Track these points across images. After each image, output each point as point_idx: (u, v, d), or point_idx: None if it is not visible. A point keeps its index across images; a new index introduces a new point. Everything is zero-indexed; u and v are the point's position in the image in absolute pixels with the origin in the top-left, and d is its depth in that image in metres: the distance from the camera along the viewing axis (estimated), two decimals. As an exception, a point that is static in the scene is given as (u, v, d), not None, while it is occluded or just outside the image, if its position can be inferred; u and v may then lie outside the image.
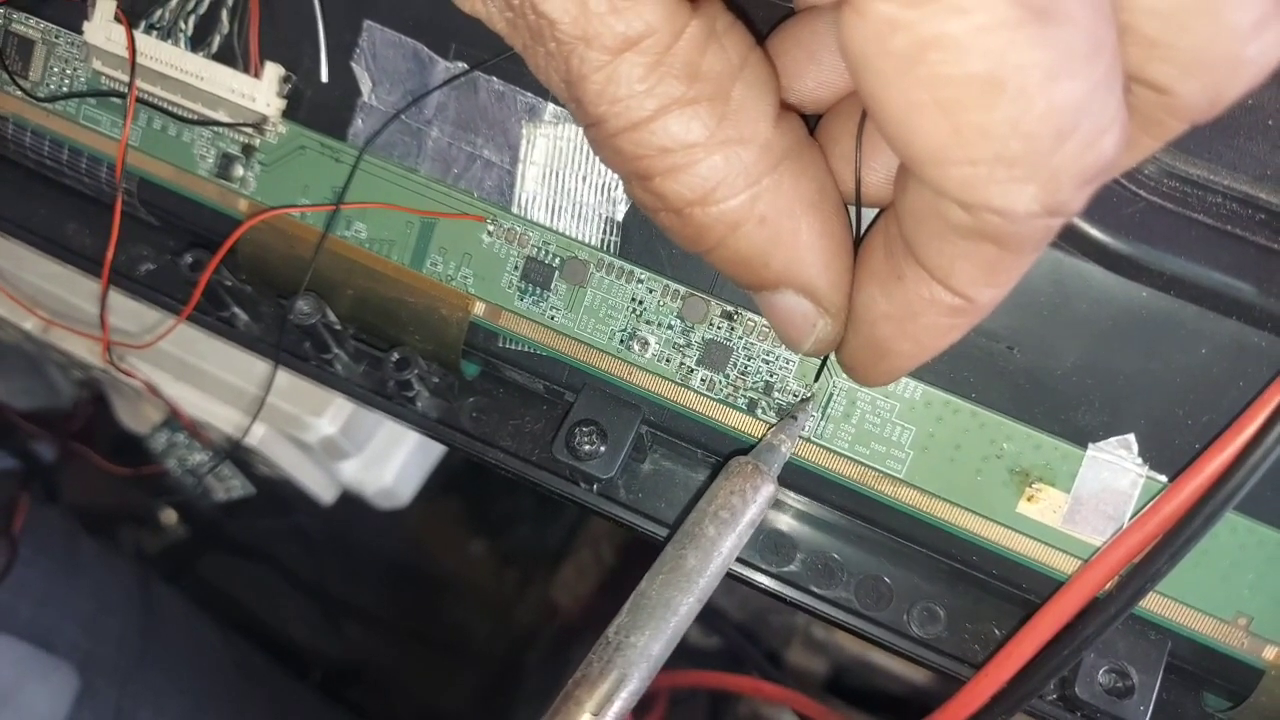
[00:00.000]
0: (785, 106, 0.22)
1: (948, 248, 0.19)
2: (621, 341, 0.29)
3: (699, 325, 0.28)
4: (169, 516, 0.76)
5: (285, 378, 0.34)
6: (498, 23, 0.21)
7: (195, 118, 0.32)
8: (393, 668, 0.82)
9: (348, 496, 0.60)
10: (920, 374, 0.27)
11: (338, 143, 0.31)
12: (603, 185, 0.29)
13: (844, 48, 0.16)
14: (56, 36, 0.33)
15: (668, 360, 0.29)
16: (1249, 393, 0.25)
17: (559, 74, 0.20)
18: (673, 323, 0.29)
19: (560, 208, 0.29)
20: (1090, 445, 0.26)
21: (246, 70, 0.31)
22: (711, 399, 0.29)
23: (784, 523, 0.31)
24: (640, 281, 0.29)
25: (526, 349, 0.30)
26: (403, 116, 0.30)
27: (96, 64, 0.32)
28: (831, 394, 0.28)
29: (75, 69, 0.33)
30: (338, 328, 0.32)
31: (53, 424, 0.69)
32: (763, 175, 0.21)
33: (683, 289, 0.29)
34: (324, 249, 0.31)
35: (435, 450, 0.63)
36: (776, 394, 0.28)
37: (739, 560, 0.30)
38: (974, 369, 0.27)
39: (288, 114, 0.31)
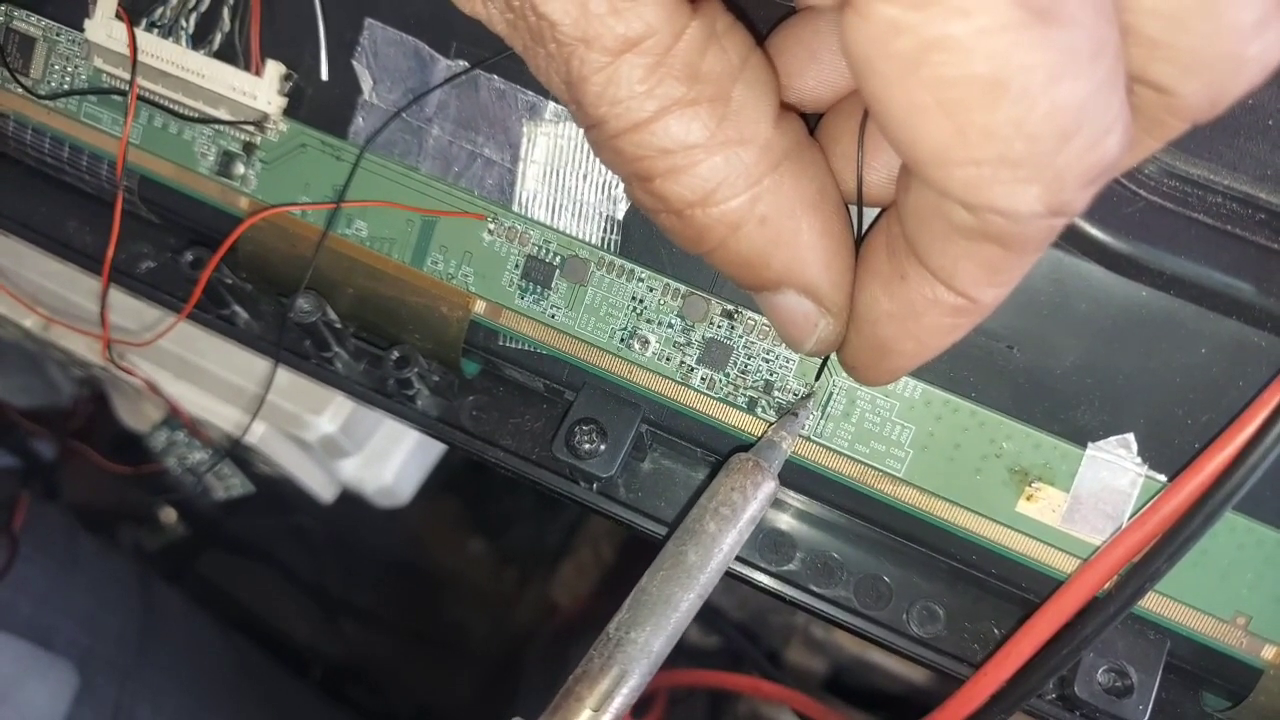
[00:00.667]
0: (785, 106, 0.22)
1: (951, 248, 0.19)
2: (622, 340, 0.29)
3: (699, 324, 0.28)
4: (169, 515, 0.76)
5: (285, 376, 0.34)
6: (498, 24, 0.21)
7: (196, 115, 0.32)
8: (392, 666, 0.82)
9: (348, 495, 0.60)
10: (920, 373, 0.27)
11: (338, 141, 0.31)
12: (603, 184, 0.29)
13: (846, 49, 0.16)
14: (58, 34, 0.33)
15: (668, 359, 0.29)
16: (1248, 392, 0.25)
17: (559, 75, 0.20)
18: (673, 321, 0.29)
19: (561, 206, 0.29)
20: (1090, 444, 0.26)
21: (247, 68, 0.31)
22: (712, 398, 0.29)
23: (784, 522, 0.31)
24: (641, 280, 0.29)
25: (527, 347, 0.30)
26: (403, 115, 0.30)
27: (98, 61, 0.32)
28: (831, 393, 0.28)
29: (76, 66, 0.33)
30: (338, 326, 0.32)
31: (53, 422, 0.69)
32: (763, 176, 0.21)
33: (683, 287, 0.29)
34: (324, 247, 0.31)
35: (435, 449, 0.63)
36: (777, 393, 0.28)
37: (739, 559, 0.30)
38: (974, 368, 0.27)
39: (289, 112, 0.31)
